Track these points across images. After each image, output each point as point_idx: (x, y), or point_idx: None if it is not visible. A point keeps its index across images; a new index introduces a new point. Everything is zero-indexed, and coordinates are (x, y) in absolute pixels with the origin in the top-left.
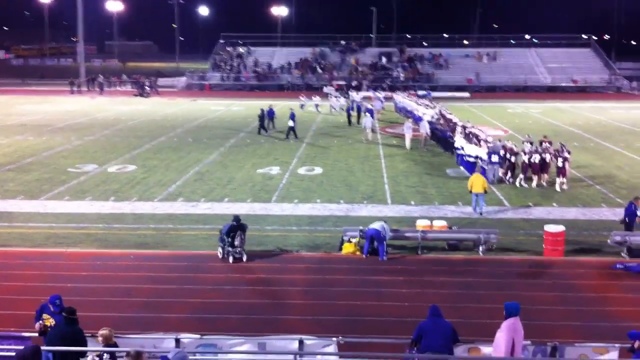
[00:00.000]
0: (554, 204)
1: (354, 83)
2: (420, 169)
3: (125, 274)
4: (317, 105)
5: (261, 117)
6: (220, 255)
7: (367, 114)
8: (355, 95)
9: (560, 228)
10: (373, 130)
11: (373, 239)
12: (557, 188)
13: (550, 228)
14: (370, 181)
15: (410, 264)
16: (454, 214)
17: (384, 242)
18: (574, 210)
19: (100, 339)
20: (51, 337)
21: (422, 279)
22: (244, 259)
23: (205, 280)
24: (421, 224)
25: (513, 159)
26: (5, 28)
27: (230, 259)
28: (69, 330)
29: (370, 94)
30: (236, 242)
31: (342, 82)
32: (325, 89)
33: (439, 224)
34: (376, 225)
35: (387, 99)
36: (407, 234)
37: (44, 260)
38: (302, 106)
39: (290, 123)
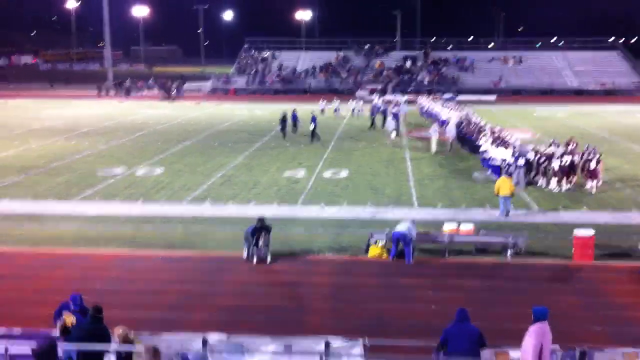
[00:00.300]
0: (584, 208)
1: (378, 87)
2: (447, 173)
3: (154, 275)
4: (336, 110)
5: (283, 121)
6: (245, 256)
7: (390, 117)
8: (377, 99)
9: (590, 232)
10: (397, 134)
11: (399, 242)
12: (592, 191)
13: (580, 232)
14: (396, 184)
15: (437, 267)
16: (481, 217)
17: (411, 245)
18: (604, 215)
19: (116, 337)
20: (77, 335)
21: (449, 283)
22: (268, 259)
23: (232, 281)
24: (448, 227)
25: (546, 162)
26: (32, 33)
27: (254, 260)
28: (96, 328)
29: (393, 97)
30: (260, 243)
31: (377, 86)
32: (358, 93)
33: (466, 227)
34: (402, 227)
35: (411, 102)
36: (434, 238)
37: (73, 261)
38: (322, 110)
39: (312, 126)
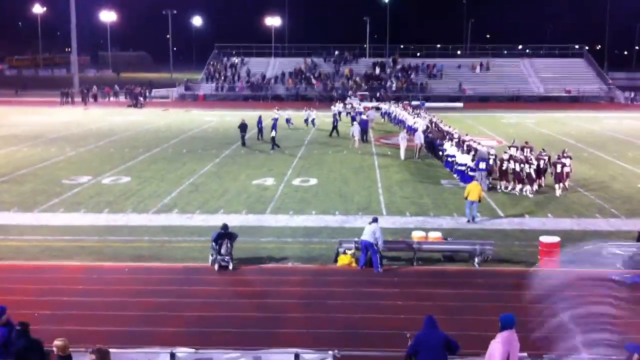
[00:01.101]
0: (549, 215)
1: (367, 93)
2: (415, 180)
3: (121, 287)
4: (288, 120)
5: (242, 128)
6: (210, 263)
7: (354, 122)
8: (339, 105)
9: (556, 239)
10: (365, 140)
11: (367, 250)
12: (557, 194)
13: (545, 239)
14: (365, 192)
15: (406, 275)
16: (449, 225)
17: (378, 253)
18: (569, 221)
19: (55, 350)
20: (12, 349)
21: (417, 291)
22: (230, 267)
23: (201, 293)
24: (416, 235)
25: (505, 165)
26: None
27: (216, 266)
28: (27, 342)
29: (357, 103)
30: (222, 250)
31: (365, 93)
32: (349, 100)
33: (435, 235)
34: (367, 235)
35: (378, 109)
36: (402, 246)
37: (39, 273)
38: (287, 121)
39: (273, 133)
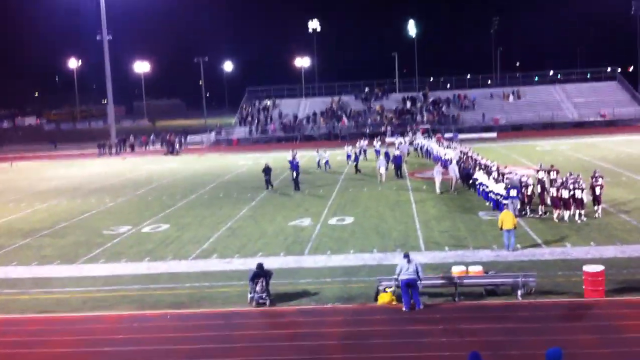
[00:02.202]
0: (591, 242)
1: (428, 126)
2: (453, 213)
3: (162, 334)
4: (326, 162)
5: (266, 172)
6: (248, 301)
7: (379, 157)
8: (363, 142)
9: (600, 267)
10: (400, 175)
11: (409, 288)
12: (597, 215)
13: (589, 268)
14: (402, 227)
15: (448, 311)
16: (489, 258)
17: (419, 288)
18: (612, 248)
19: None
20: None
21: (461, 327)
22: (267, 304)
23: (242, 337)
24: (457, 270)
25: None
26: (36, 94)
27: (254, 304)
28: None
29: (395, 139)
30: (258, 288)
31: (427, 126)
32: (410, 135)
33: (475, 269)
34: (410, 272)
35: (411, 143)
36: (443, 281)
37: (82, 325)
38: (319, 162)
39: (294, 174)
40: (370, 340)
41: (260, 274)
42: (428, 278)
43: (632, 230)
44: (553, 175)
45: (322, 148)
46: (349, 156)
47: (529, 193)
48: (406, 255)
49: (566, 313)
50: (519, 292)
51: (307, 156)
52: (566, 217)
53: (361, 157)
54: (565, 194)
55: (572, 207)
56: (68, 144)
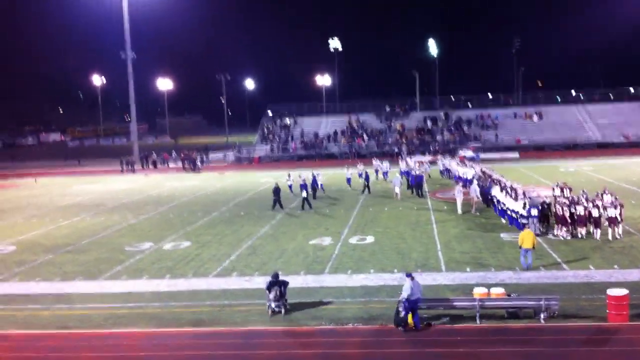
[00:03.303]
0: (615, 266)
1: (479, 145)
2: (474, 234)
3: (181, 352)
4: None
5: (275, 192)
6: (267, 309)
7: (398, 174)
8: (376, 162)
9: (624, 291)
10: (421, 195)
11: (412, 307)
12: (610, 237)
13: (613, 292)
14: (422, 248)
15: (469, 334)
16: (511, 279)
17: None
18: (636, 272)
19: None
20: None
21: (482, 350)
22: (283, 312)
23: (261, 357)
24: (478, 291)
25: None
26: (61, 111)
27: (270, 312)
28: None
29: (421, 157)
30: (271, 296)
31: (477, 145)
32: (461, 152)
33: (497, 291)
34: (415, 292)
35: (432, 162)
36: (464, 303)
37: (103, 341)
38: (349, 180)
39: (304, 194)
40: None
41: (276, 282)
42: (450, 300)
43: None
44: (567, 192)
45: (377, 159)
46: (360, 175)
47: (552, 213)
48: (409, 275)
49: (589, 337)
50: (542, 316)
51: (328, 174)
52: (597, 236)
53: (380, 177)
54: (595, 212)
55: (591, 226)
56: (91, 160)
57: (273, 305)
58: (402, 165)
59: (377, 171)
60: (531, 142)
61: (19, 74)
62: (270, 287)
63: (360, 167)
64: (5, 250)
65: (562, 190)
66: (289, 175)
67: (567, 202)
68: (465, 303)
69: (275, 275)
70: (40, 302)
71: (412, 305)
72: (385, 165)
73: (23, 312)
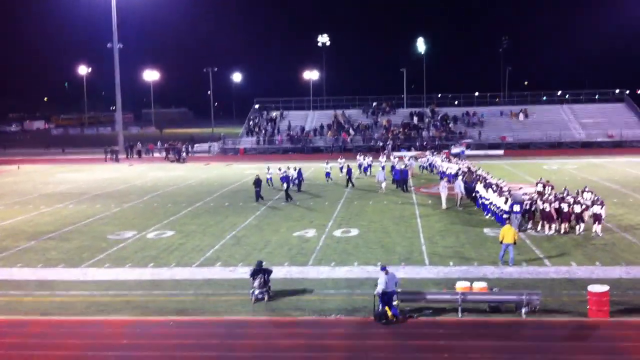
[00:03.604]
0: (597, 263)
1: (470, 141)
2: (457, 229)
3: (164, 341)
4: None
5: (257, 184)
6: (249, 296)
7: (380, 169)
8: (359, 157)
9: (605, 288)
10: (406, 189)
11: (386, 298)
12: (594, 234)
13: (594, 288)
14: (406, 242)
15: (451, 327)
16: (494, 274)
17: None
18: (618, 269)
19: None
20: None
21: (464, 343)
22: (266, 298)
23: (244, 347)
24: (461, 285)
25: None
26: (45, 99)
27: (253, 299)
28: None
29: (402, 153)
30: (255, 283)
31: (470, 140)
32: (454, 148)
33: (480, 285)
34: (390, 284)
35: (416, 158)
36: (446, 297)
37: (85, 328)
38: (327, 174)
39: (284, 186)
40: (372, 353)
41: (260, 270)
42: (433, 293)
43: (638, 252)
44: (548, 190)
45: (361, 154)
46: (341, 168)
47: (533, 209)
48: (384, 268)
49: (570, 333)
50: (523, 310)
51: (312, 168)
52: (581, 231)
53: (362, 173)
54: (577, 208)
55: (574, 222)
56: (76, 149)
57: (257, 292)
58: (383, 160)
59: (360, 166)
60: (516, 140)
61: (4, 63)
62: (254, 274)
63: (342, 160)
64: None
65: (544, 187)
66: (268, 169)
67: (553, 199)
68: (448, 297)
69: (259, 264)
70: (22, 288)
71: (388, 298)
72: (367, 160)
73: (5, 297)
